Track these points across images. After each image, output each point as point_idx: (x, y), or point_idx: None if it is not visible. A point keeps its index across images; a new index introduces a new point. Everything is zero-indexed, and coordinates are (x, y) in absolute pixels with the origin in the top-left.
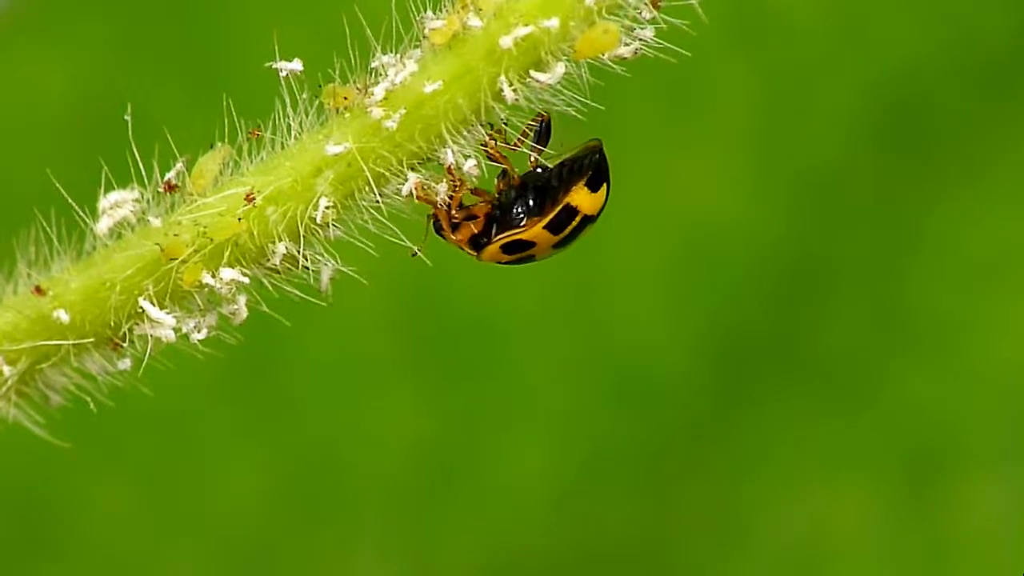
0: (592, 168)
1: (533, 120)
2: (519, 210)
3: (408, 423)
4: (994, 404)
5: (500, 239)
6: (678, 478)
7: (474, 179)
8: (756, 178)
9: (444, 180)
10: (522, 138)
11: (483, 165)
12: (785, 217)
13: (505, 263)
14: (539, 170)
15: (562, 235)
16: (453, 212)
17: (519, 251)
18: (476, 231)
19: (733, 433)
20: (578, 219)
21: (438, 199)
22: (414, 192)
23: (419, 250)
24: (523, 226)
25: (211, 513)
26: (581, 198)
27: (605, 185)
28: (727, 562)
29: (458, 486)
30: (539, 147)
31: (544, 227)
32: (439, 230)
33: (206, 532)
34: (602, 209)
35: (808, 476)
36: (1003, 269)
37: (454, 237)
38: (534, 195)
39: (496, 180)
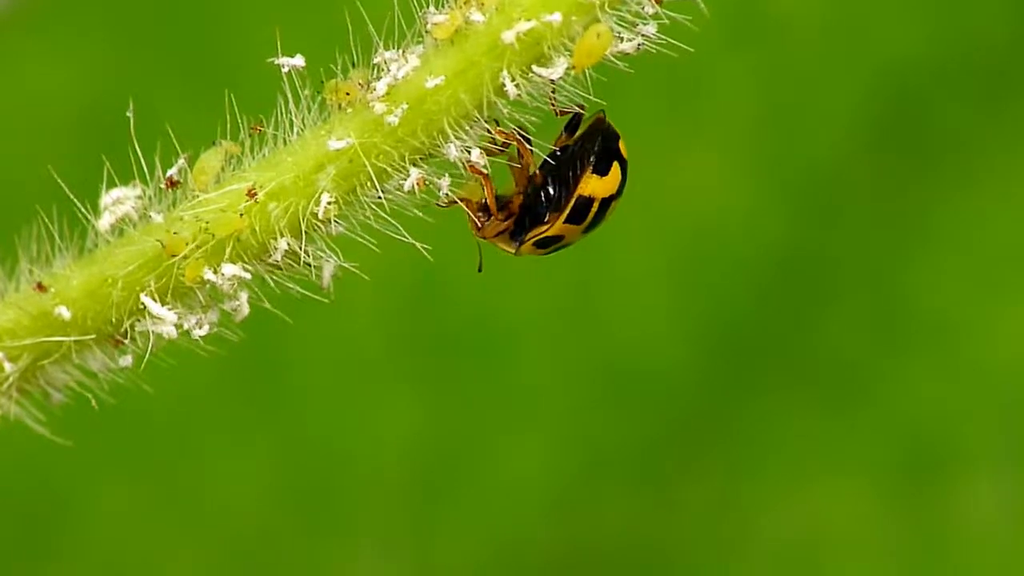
0: (595, 153)
1: (564, 110)
2: (542, 205)
3: (408, 421)
4: (993, 404)
5: (530, 238)
6: (677, 477)
7: (483, 168)
8: (756, 177)
9: (472, 180)
10: (522, 131)
11: (489, 161)
12: (784, 216)
13: (543, 255)
14: (551, 160)
15: (587, 223)
16: (493, 210)
17: (551, 244)
18: (511, 228)
19: (732, 432)
20: (596, 204)
21: (476, 201)
22: (459, 201)
23: (481, 265)
24: (547, 223)
25: (211, 512)
26: (593, 186)
27: (616, 163)
28: (726, 561)
29: (458, 484)
30: (566, 139)
31: (565, 221)
32: (480, 232)
33: (206, 531)
34: (622, 185)
35: (807, 475)
36: (1003, 269)
37: (492, 238)
38: (553, 187)
39: (513, 174)
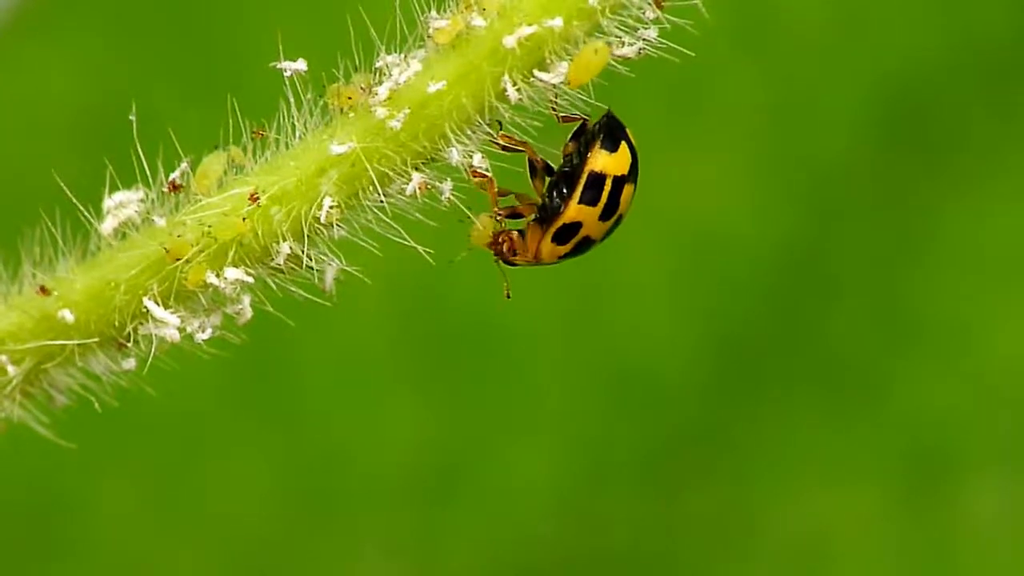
0: (603, 130)
1: (566, 116)
2: (555, 198)
3: (411, 424)
4: (999, 406)
5: (547, 232)
6: (682, 480)
7: (485, 171)
8: (760, 180)
9: (488, 215)
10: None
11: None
12: (788, 219)
13: (565, 256)
14: (564, 158)
15: (602, 204)
16: (493, 199)
17: (570, 238)
18: (527, 237)
19: (737, 435)
20: (609, 183)
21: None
22: (480, 229)
23: (508, 292)
24: (561, 211)
25: (213, 513)
26: (603, 161)
27: (624, 143)
28: (731, 564)
29: (462, 488)
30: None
31: (579, 203)
32: (501, 257)
33: (208, 532)
34: (634, 167)
35: (811, 478)
36: (1005, 270)
37: (512, 256)
38: (565, 179)
39: (531, 180)
